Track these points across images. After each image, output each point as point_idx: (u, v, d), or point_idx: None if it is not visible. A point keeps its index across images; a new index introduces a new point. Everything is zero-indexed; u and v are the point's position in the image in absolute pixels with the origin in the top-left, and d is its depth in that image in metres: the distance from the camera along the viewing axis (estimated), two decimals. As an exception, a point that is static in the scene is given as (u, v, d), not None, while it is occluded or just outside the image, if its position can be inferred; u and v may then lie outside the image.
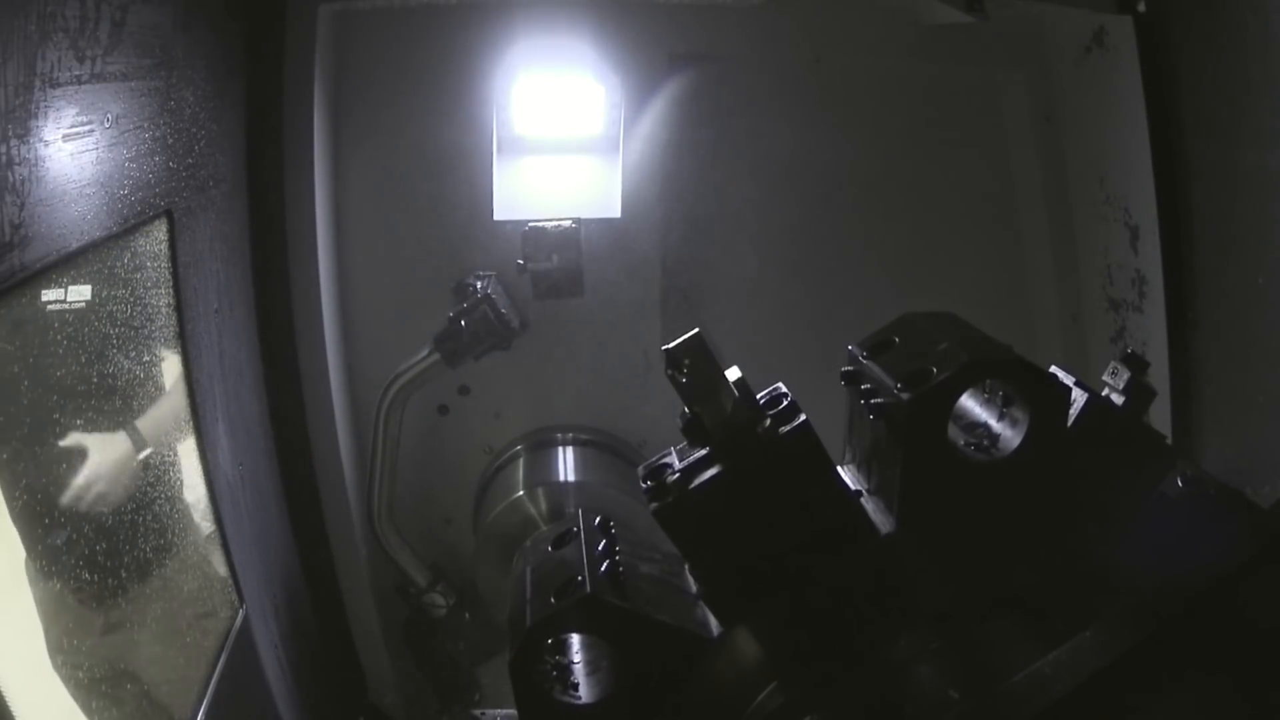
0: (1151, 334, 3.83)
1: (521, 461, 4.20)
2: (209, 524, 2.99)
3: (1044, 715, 1.40)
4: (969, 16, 3.76)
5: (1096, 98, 3.94)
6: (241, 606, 3.05)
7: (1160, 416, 3.74)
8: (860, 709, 1.57)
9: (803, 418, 1.69)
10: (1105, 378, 1.94)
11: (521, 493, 3.98)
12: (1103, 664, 1.43)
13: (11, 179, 1.95)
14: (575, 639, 1.83)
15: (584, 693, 1.78)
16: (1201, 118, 3.58)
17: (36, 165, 2.05)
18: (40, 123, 2.07)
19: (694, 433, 1.74)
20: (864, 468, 1.86)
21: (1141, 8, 3.71)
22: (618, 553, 1.79)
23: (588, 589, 1.68)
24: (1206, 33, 3.49)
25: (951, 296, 2.05)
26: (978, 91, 4.36)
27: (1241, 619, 1.48)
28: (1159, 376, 3.76)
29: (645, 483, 1.73)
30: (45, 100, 2.09)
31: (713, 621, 1.77)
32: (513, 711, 1.85)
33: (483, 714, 1.92)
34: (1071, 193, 4.21)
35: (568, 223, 4.04)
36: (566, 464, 4.17)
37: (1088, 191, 4.10)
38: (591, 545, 1.81)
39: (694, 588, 1.82)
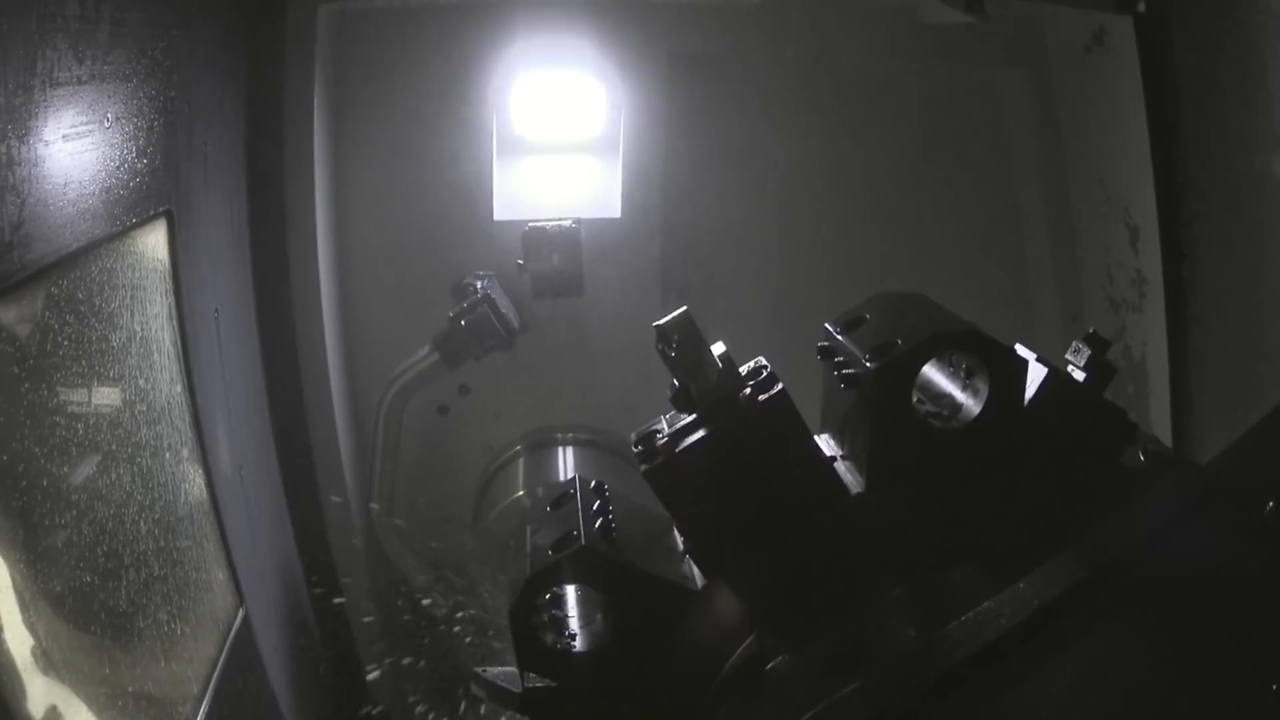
0: (1151, 334, 4.08)
1: (521, 461, 4.47)
2: (209, 524, 3.15)
3: (989, 648, 1.68)
4: (969, 16, 4.04)
5: (1096, 98, 4.20)
6: (241, 606, 3.23)
7: (1160, 415, 4.00)
8: (824, 648, 1.84)
9: (780, 386, 1.97)
10: (1068, 356, 2.21)
11: (521, 493, 4.24)
12: (1044, 602, 1.71)
13: (11, 179, 2.04)
14: (571, 594, 2.10)
15: (579, 643, 2.05)
16: (1201, 118, 3.85)
17: (36, 165, 2.14)
18: (40, 123, 2.17)
19: (681, 402, 2.02)
20: (838, 436, 2.14)
21: (1141, 8, 3.97)
22: (611, 512, 2.06)
23: (582, 542, 1.96)
24: (1206, 33, 3.76)
25: (951, 296, 2.19)
26: (978, 91, 4.63)
27: (1170, 566, 1.75)
28: (1159, 376, 4.01)
29: (636, 447, 2.01)
30: (45, 100, 2.19)
31: (697, 575, 2.05)
32: (513, 669, 2.12)
33: (484, 670, 2.18)
34: (1071, 193, 4.47)
35: (568, 223, 4.30)
36: (566, 464, 4.44)
37: (1088, 191, 4.36)
38: (586, 505, 2.09)
39: (680, 545, 2.10)
